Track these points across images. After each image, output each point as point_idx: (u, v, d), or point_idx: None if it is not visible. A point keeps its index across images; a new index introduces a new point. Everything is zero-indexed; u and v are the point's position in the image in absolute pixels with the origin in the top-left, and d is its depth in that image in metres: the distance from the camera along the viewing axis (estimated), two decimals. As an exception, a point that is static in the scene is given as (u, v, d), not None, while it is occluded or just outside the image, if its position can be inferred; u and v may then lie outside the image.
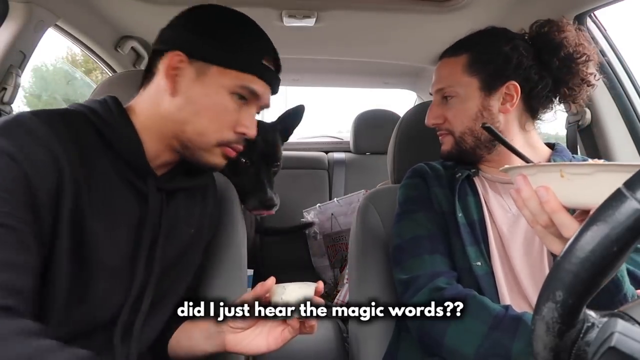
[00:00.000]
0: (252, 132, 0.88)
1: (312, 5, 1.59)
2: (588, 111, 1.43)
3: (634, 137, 1.40)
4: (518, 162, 0.83)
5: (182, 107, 0.84)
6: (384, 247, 1.17)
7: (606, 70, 1.40)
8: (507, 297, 0.93)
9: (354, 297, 1.21)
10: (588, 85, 1.02)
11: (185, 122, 0.84)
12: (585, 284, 0.41)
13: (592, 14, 1.37)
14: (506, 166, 0.69)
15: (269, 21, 1.66)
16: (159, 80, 0.85)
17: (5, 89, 1.41)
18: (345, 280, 1.90)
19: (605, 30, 1.43)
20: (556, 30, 1.01)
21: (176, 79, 0.83)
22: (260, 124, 1.29)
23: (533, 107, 1.04)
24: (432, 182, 1.07)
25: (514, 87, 1.00)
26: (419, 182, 1.09)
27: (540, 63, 1.01)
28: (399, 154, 1.28)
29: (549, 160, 1.03)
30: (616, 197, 0.41)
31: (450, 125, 1.05)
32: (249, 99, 0.86)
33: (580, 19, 1.35)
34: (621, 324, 0.41)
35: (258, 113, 0.93)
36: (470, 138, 1.03)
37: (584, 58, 0.99)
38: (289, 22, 1.66)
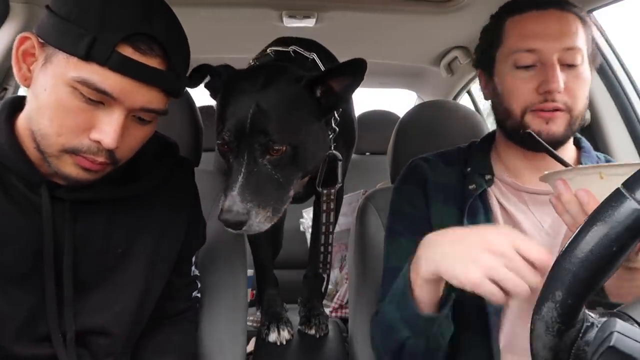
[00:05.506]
0: (107, 140, 0.68)
1: (312, 6, 1.58)
2: (588, 111, 1.43)
3: (633, 137, 1.40)
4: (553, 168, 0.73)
5: (30, 102, 0.71)
6: (383, 247, 1.17)
7: (605, 70, 1.40)
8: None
9: (353, 297, 1.21)
10: None
11: (31, 120, 0.70)
12: (584, 283, 0.42)
13: (591, 14, 1.37)
14: (545, 172, 0.66)
15: (269, 21, 1.66)
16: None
17: (6, 89, 1.41)
18: (344, 281, 1.90)
19: (604, 30, 1.43)
20: None
21: (30, 67, 0.69)
22: None
23: None
24: (433, 194, 0.92)
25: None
26: (416, 194, 0.94)
27: None
28: (398, 155, 1.28)
29: (578, 161, 0.94)
30: (615, 197, 0.41)
31: (571, 100, 0.83)
32: (104, 98, 0.67)
33: (579, 20, 1.35)
34: (620, 324, 0.41)
35: (142, 120, 0.73)
36: (578, 122, 0.85)
37: None
38: (289, 23, 1.66)
